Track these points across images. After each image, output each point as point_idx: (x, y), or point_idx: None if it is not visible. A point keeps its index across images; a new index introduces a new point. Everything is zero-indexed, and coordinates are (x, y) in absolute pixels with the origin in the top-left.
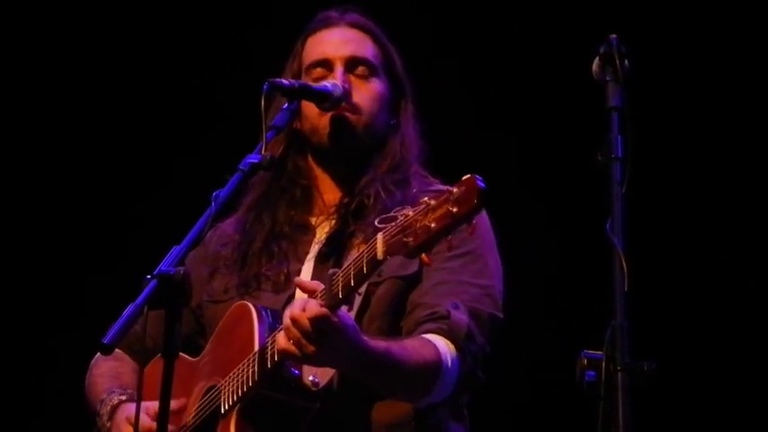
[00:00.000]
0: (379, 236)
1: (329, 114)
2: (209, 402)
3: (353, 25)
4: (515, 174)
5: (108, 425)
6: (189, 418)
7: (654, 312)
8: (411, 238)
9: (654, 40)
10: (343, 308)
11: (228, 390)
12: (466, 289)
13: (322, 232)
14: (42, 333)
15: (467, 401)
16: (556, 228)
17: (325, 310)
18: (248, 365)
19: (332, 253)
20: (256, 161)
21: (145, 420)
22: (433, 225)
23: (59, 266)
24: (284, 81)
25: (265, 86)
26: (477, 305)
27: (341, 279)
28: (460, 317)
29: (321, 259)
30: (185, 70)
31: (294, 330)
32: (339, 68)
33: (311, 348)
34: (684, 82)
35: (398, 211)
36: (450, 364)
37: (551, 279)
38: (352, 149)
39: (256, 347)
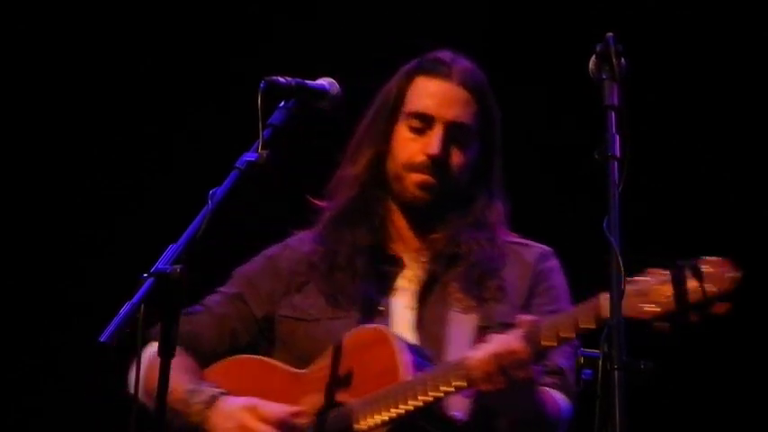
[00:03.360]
0: (604, 295)
1: (417, 176)
2: (336, 419)
3: (462, 83)
4: (512, 172)
5: (206, 412)
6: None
7: None
8: (652, 306)
9: (651, 38)
10: None
11: (367, 411)
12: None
13: (413, 268)
14: (38, 332)
15: None
16: (552, 226)
17: (526, 356)
18: (405, 392)
19: (430, 295)
20: (253, 159)
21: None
22: (686, 296)
23: (54, 265)
24: (281, 79)
25: (262, 84)
26: (573, 356)
27: (547, 330)
28: (570, 371)
29: (420, 300)
30: (182, 66)
31: (495, 365)
32: (438, 132)
33: (502, 386)
34: (682, 80)
35: (637, 276)
36: (566, 416)
37: None
38: (431, 208)
39: (404, 377)
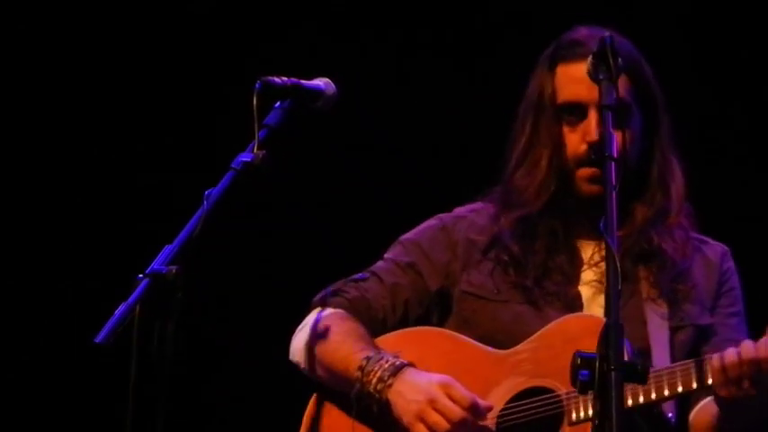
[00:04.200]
0: None
1: (585, 170)
2: (545, 405)
3: None
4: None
5: (389, 380)
6: (496, 409)
7: None
8: None
9: (649, 38)
10: None
11: (583, 400)
12: None
13: (601, 263)
14: (34, 333)
15: None
16: None
17: None
18: (634, 387)
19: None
20: (249, 160)
21: (455, 409)
22: None
23: (49, 266)
24: (276, 79)
25: (258, 85)
26: None
27: None
28: None
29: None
30: (179, 67)
31: (742, 371)
32: (593, 116)
33: (745, 393)
34: (680, 80)
35: None
36: None
37: None
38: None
39: None
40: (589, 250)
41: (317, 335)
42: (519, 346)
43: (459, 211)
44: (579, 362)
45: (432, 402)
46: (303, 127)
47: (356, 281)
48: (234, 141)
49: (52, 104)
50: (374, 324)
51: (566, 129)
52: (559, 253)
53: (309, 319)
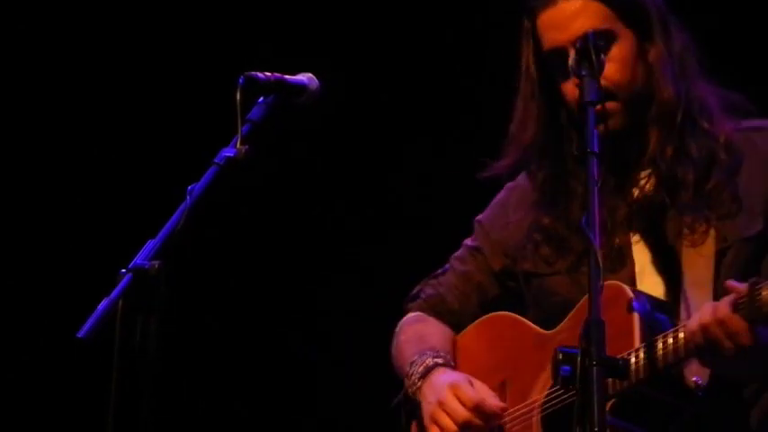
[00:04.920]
0: None
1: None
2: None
3: None
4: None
5: (419, 383)
6: (539, 394)
7: None
8: None
9: None
10: None
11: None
12: None
13: (634, 203)
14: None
15: None
16: None
17: (739, 326)
18: (634, 359)
19: (660, 230)
20: (231, 155)
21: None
22: None
23: (32, 262)
24: (260, 75)
25: (241, 80)
26: None
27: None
28: None
29: (654, 237)
30: (164, 61)
31: (717, 331)
32: (573, 55)
33: (722, 356)
34: None
35: None
36: None
37: None
38: (629, 131)
39: (636, 343)
40: (624, 193)
41: (396, 343)
42: (560, 325)
43: (512, 184)
44: (560, 357)
45: (441, 404)
46: (287, 122)
47: (435, 276)
48: (218, 137)
49: (40, 102)
50: (452, 315)
51: (559, 77)
52: (602, 202)
53: (403, 321)
